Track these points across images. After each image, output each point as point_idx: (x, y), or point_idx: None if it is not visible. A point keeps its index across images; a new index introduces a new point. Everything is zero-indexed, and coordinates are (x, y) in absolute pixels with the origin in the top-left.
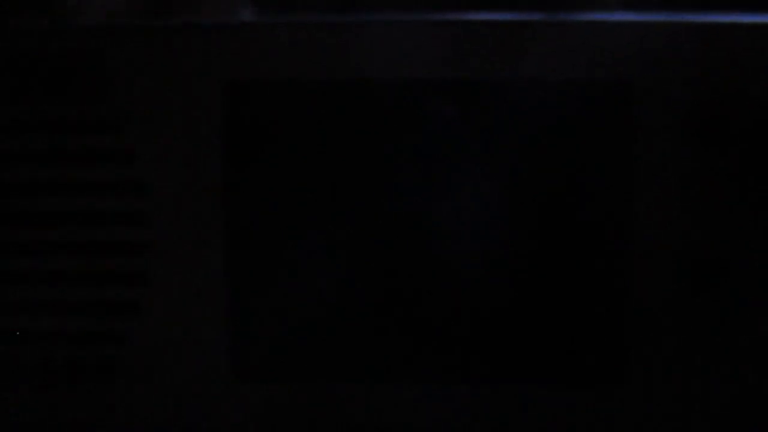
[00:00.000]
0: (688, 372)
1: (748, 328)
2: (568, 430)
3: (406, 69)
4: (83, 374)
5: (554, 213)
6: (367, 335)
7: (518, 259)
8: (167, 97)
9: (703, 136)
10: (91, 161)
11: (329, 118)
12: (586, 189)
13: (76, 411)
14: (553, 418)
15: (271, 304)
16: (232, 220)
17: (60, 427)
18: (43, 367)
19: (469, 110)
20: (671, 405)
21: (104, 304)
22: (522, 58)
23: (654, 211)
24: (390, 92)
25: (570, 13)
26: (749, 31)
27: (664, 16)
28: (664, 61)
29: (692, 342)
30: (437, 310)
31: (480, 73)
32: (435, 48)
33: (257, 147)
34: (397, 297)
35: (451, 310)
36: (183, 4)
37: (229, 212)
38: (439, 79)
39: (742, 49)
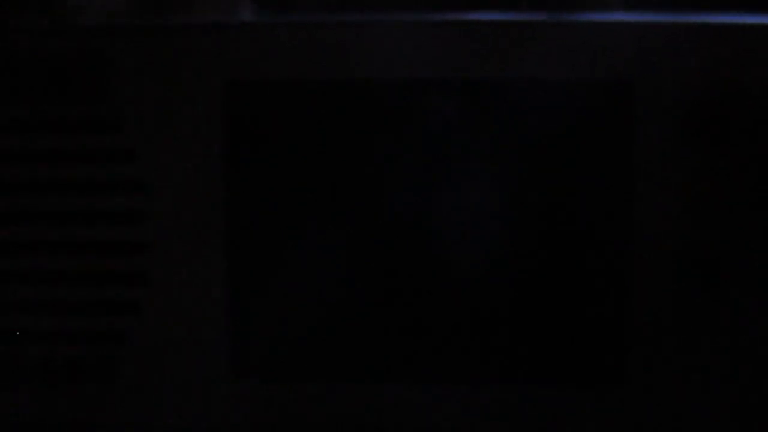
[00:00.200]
0: (688, 372)
1: (747, 327)
2: (568, 429)
3: (406, 69)
4: (83, 374)
5: (554, 213)
6: (367, 335)
7: (518, 259)
8: (168, 97)
9: (703, 136)
10: (92, 161)
11: (329, 117)
12: (586, 189)
13: (77, 410)
14: (553, 418)
15: (271, 304)
16: (232, 219)
17: (60, 427)
18: (44, 367)
19: (470, 110)
20: (671, 405)
21: (104, 304)
22: (522, 58)
23: (654, 210)
24: (390, 92)
25: (570, 13)
26: (749, 32)
27: (665, 17)
28: (665, 62)
29: (692, 341)
30: (437, 310)
31: (480, 72)
32: (435, 48)
33: (257, 146)
34: (397, 297)
35: (451, 310)
36: (183, 3)
37: (230, 212)
38: (440, 78)
39: (742, 49)
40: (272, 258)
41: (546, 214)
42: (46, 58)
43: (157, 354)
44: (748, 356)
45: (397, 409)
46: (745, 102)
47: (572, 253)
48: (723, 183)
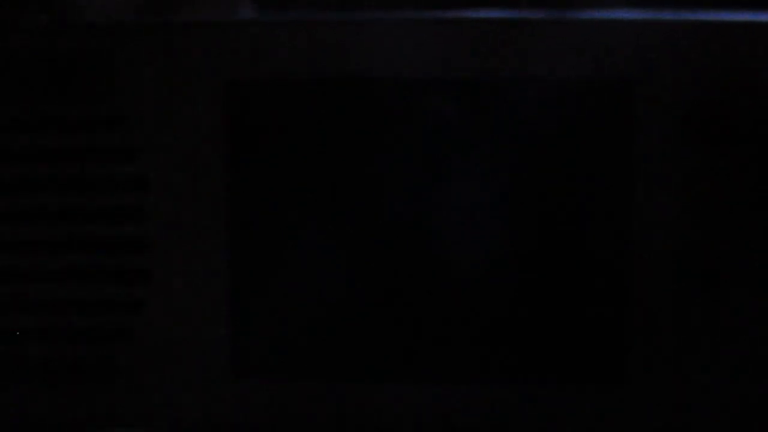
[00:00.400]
0: (688, 371)
1: (747, 327)
2: (568, 429)
3: (407, 67)
4: (85, 372)
5: (554, 212)
6: (368, 334)
7: (519, 259)
8: (169, 95)
9: (703, 134)
10: (93, 159)
11: (330, 116)
12: (585, 188)
13: (79, 408)
14: (553, 417)
15: (272, 302)
16: (233, 217)
17: (63, 424)
18: (46, 365)
19: (469, 109)
20: (671, 404)
21: (106, 302)
22: (522, 56)
23: (654, 209)
24: (390, 91)
25: (570, 11)
26: (750, 30)
27: (665, 15)
28: (665, 59)
29: (692, 341)
30: (437, 309)
31: (480, 71)
32: (435, 46)
33: (258, 144)
34: (397, 296)
35: (451, 309)
36: (184, 2)
37: (231, 210)
38: (440, 77)
39: (743, 47)
40: (273, 256)
41: (545, 213)
42: (48, 56)
43: (158, 352)
44: (748, 356)
45: (396, 408)
46: (745, 100)
47: (572, 253)
48: (723, 181)
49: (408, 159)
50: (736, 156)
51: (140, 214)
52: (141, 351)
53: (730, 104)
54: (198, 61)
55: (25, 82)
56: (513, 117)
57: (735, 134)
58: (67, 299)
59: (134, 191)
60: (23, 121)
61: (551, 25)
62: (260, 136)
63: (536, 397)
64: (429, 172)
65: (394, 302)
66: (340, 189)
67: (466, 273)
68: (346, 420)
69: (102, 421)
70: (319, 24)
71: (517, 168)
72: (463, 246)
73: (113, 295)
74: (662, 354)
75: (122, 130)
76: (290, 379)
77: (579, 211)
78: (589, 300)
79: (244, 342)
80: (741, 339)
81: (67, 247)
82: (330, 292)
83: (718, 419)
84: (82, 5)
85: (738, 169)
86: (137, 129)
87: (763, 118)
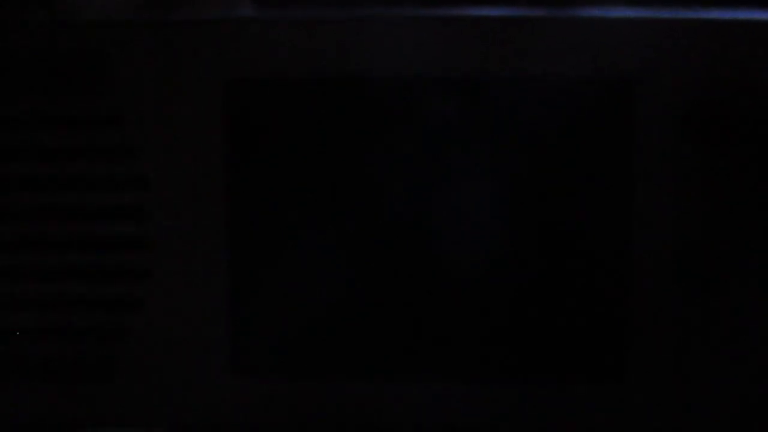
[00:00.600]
0: (688, 370)
1: (747, 326)
2: (568, 428)
3: (407, 65)
4: (84, 370)
5: (554, 210)
6: (367, 333)
7: (518, 257)
8: (169, 93)
9: (703, 133)
10: (93, 157)
11: (330, 115)
12: (586, 187)
13: (77, 407)
14: (552, 416)
15: (271, 302)
16: (233, 215)
17: (61, 423)
18: (44, 364)
19: (469, 107)
20: (670, 402)
21: (105, 300)
22: (523, 54)
23: (654, 208)
24: (390, 89)
25: (571, 9)
26: (750, 28)
27: (666, 12)
28: (666, 58)
29: (691, 340)
30: (437, 308)
31: (480, 69)
32: (435, 44)
33: (258, 142)
34: (397, 294)
35: (450, 308)
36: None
37: (230, 208)
38: (439, 76)
39: (744, 45)
40: (272, 255)
41: (545, 212)
42: (47, 54)
43: (157, 351)
44: (748, 355)
45: (396, 406)
46: (745, 98)
47: (572, 252)
48: (723, 180)
49: (407, 157)
50: (736, 154)
51: (139, 212)
52: (140, 350)
53: (730, 102)
54: (197, 59)
55: (23, 81)
56: (512, 115)
57: (735, 133)
58: (66, 298)
59: (133, 190)
60: (22, 120)
61: (551, 23)
62: (260, 135)
63: (536, 397)
64: (428, 171)
65: (393, 301)
66: (339, 187)
67: (465, 272)
68: (345, 419)
69: (101, 420)
70: (318, 22)
71: (516, 166)
72: (462, 245)
73: (112, 294)
74: (662, 353)
75: (121, 128)
76: (289, 378)
77: (578, 210)
78: (588, 299)
79: (243, 341)
80: (741, 339)
81: (66, 245)
82: (329, 291)
83: (718, 419)
84: (81, 4)
85: (738, 168)
86: (136, 128)
87: (763, 116)
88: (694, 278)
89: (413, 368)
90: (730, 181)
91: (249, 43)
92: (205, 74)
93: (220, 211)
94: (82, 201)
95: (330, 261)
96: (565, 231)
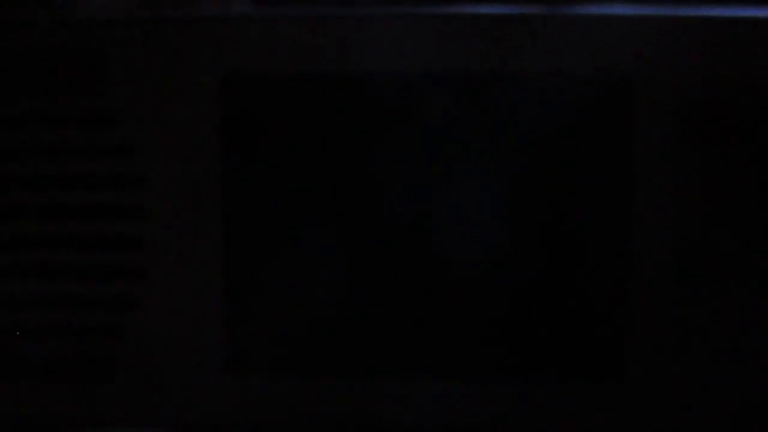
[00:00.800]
0: (687, 369)
1: (746, 325)
2: (567, 427)
3: (405, 63)
4: (80, 369)
5: (553, 208)
6: (364, 332)
7: (517, 256)
8: (166, 90)
9: (702, 131)
10: (89, 155)
11: (328, 112)
12: (585, 185)
13: (73, 406)
14: (551, 414)
15: (267, 300)
16: (229, 214)
17: (57, 422)
18: (40, 363)
19: (468, 105)
20: (670, 401)
21: (102, 298)
22: (522, 52)
23: (653, 206)
24: (389, 86)
25: (570, 7)
26: (750, 26)
27: (665, 11)
28: (664, 55)
29: (691, 339)
30: (435, 306)
31: (479, 67)
32: (434, 42)
33: (255, 140)
34: (394, 293)
35: (449, 306)
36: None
37: (227, 206)
38: (439, 73)
39: (743, 43)
40: (269, 254)
41: (544, 210)
42: (43, 52)
43: (155, 350)
44: (748, 355)
45: (393, 406)
46: (745, 96)
47: (571, 250)
48: (722, 178)
49: (405, 154)
50: (735, 152)
51: (135, 211)
52: (138, 350)
53: (730, 101)
54: (194, 57)
55: (21, 80)
56: (512, 113)
57: (734, 131)
58: (64, 296)
59: (130, 188)
60: (19, 119)
61: (551, 21)
62: (257, 133)
63: (536, 397)
64: (427, 169)
65: (392, 299)
66: (337, 186)
67: (464, 271)
68: (343, 419)
69: (96, 419)
70: (316, 19)
71: (515, 164)
72: (461, 243)
73: (108, 292)
74: (661, 353)
75: (119, 127)
76: (285, 377)
77: (578, 209)
78: (587, 298)
79: (240, 340)
80: (741, 338)
81: (63, 245)
82: (327, 290)
83: (718, 419)
84: (80, 2)
85: (738, 166)
86: (134, 127)
87: (762, 115)
88: (693, 275)
89: (410, 367)
90: (729, 180)
91: (248, 40)
92: (204, 72)
93: (217, 209)
94: (79, 200)
95: (328, 259)
96: (564, 230)
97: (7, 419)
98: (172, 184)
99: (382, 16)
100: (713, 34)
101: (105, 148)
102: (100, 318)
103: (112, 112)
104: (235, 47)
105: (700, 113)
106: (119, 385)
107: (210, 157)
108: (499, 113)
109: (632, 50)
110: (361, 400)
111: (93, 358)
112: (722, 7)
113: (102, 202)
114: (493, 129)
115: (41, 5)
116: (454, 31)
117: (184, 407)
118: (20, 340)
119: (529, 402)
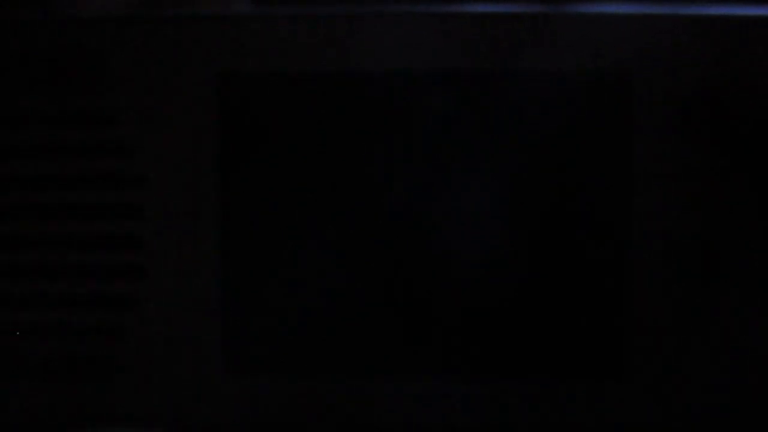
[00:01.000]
0: (686, 368)
1: (746, 323)
2: (566, 426)
3: (403, 61)
4: (78, 369)
5: (552, 206)
6: (363, 332)
7: (516, 254)
8: (164, 89)
9: (702, 130)
10: (87, 154)
11: (327, 111)
12: (584, 182)
13: (73, 405)
14: (550, 413)
15: (265, 299)
16: (227, 213)
17: (55, 422)
18: (37, 363)
19: (468, 103)
20: (669, 400)
21: (100, 298)
22: (522, 50)
23: (653, 204)
24: (388, 85)
25: (570, 5)
26: (750, 25)
27: (664, 9)
28: (664, 55)
29: (690, 338)
30: (433, 305)
31: (479, 66)
32: (433, 41)
33: (254, 140)
34: (393, 291)
35: (448, 305)
36: None
37: (225, 205)
38: (438, 72)
39: (743, 42)
40: (267, 253)
41: (544, 209)
42: (42, 50)
43: (153, 348)
44: (748, 354)
45: (392, 405)
46: (744, 95)
47: (572, 249)
48: (722, 177)
49: (404, 153)
50: (735, 151)
51: (134, 209)
52: (136, 349)
53: (730, 99)
54: (192, 55)
55: (19, 79)
56: (511, 112)
57: (734, 130)
58: (62, 296)
59: (127, 187)
60: (18, 118)
61: (551, 20)
62: (254, 132)
63: (535, 396)
64: (426, 167)
65: (390, 298)
66: (336, 185)
67: (464, 270)
68: (342, 419)
69: (94, 419)
70: (316, 19)
71: (515, 163)
72: (461, 242)
73: (108, 292)
74: (661, 352)
75: (116, 124)
76: (283, 376)
77: (577, 208)
78: (586, 296)
79: (239, 340)
80: (741, 338)
81: (61, 244)
82: (325, 289)
83: (717, 417)
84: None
85: (737, 165)
86: (131, 124)
87: (762, 113)
88: (692, 274)
89: (409, 366)
90: (729, 178)
91: (246, 39)
92: (201, 70)
93: (215, 207)
94: (78, 200)
95: (327, 259)
96: (564, 229)
97: (7, 419)
98: (171, 184)
99: (381, 15)
100: (713, 32)
101: (101, 147)
102: (99, 318)
103: (111, 111)
104: (235, 47)
105: (699, 112)
106: (119, 385)
107: (209, 156)
108: (499, 112)
109: (632, 49)
110: (361, 400)
111: (93, 358)
112: (722, 6)
113: (101, 202)
114: (493, 128)
115: (41, 5)
116: (453, 30)
117: (184, 407)
118: (20, 340)
119: (529, 402)
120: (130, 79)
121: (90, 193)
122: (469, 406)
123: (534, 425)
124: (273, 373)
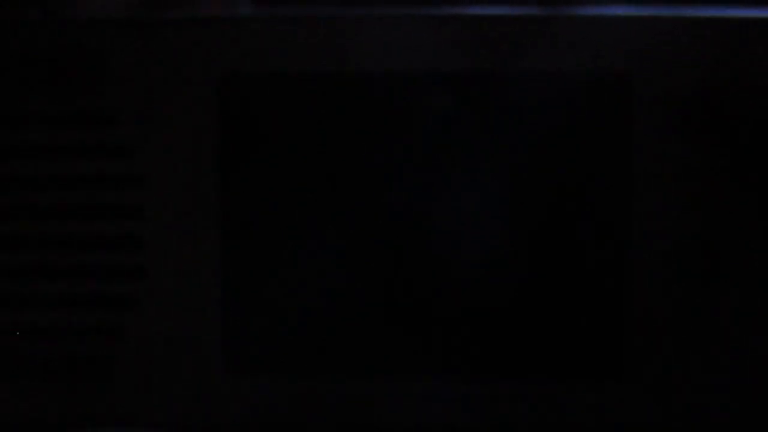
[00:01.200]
0: (687, 369)
1: (746, 322)
2: (566, 426)
3: (404, 63)
4: (79, 369)
5: (552, 207)
6: (363, 332)
7: (517, 255)
8: (164, 90)
9: (701, 130)
10: (87, 154)
11: (327, 112)
12: (584, 184)
13: (74, 405)
14: (550, 413)
15: (265, 299)
16: (228, 214)
17: (55, 422)
18: (38, 363)
19: (468, 105)
20: (669, 401)
21: (100, 298)
22: (521, 52)
23: (653, 204)
24: (387, 87)
25: (569, 7)
26: (750, 25)
27: (664, 11)
28: (664, 56)
29: (690, 338)
30: (433, 305)
31: (479, 67)
32: (433, 42)
33: (253, 140)
34: (393, 292)
35: (447, 305)
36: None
37: (225, 206)
38: (438, 73)
39: (742, 43)
40: (267, 254)
41: (543, 209)
42: (43, 51)
43: (154, 350)
44: (748, 354)
45: (391, 404)
46: (744, 96)
47: (572, 249)
48: (721, 177)
49: (404, 154)
50: (734, 152)
51: (134, 209)
52: (136, 349)
53: (729, 100)
54: (194, 56)
55: (19, 78)
56: (511, 113)
57: (734, 130)
58: (62, 296)
59: (127, 187)
60: (18, 118)
61: (551, 22)
62: (254, 133)
63: (535, 396)
64: (426, 168)
65: (390, 298)
66: (336, 185)
67: (464, 270)
68: (342, 419)
69: (96, 419)
70: (316, 19)
71: (515, 164)
72: (461, 243)
73: (108, 292)
74: (661, 352)
75: (116, 125)
76: (283, 376)
77: (577, 207)
78: (586, 297)
79: (239, 340)
80: (741, 338)
81: (62, 244)
82: (325, 289)
83: (716, 417)
84: (80, 2)
85: (737, 165)
86: (131, 125)
87: (762, 113)
88: (693, 272)
89: (408, 366)
90: (729, 179)
91: (245, 40)
92: (201, 71)
93: (215, 208)
94: (78, 200)
95: (327, 259)
96: (564, 229)
97: (7, 419)
98: (171, 184)
99: (381, 16)
100: (712, 34)
101: (102, 148)
102: (99, 318)
103: (111, 112)
104: (235, 47)
105: (699, 112)
106: (119, 385)
107: (209, 157)
108: (499, 113)
109: (631, 50)
110: (361, 400)
111: (92, 358)
112: (721, 7)
113: (101, 202)
114: (493, 129)
115: (40, 5)
116: (453, 32)
117: (184, 407)
118: (20, 340)
119: (529, 402)
120: (130, 80)
121: (90, 193)
122: (469, 406)
123: (534, 425)
124: (273, 373)
